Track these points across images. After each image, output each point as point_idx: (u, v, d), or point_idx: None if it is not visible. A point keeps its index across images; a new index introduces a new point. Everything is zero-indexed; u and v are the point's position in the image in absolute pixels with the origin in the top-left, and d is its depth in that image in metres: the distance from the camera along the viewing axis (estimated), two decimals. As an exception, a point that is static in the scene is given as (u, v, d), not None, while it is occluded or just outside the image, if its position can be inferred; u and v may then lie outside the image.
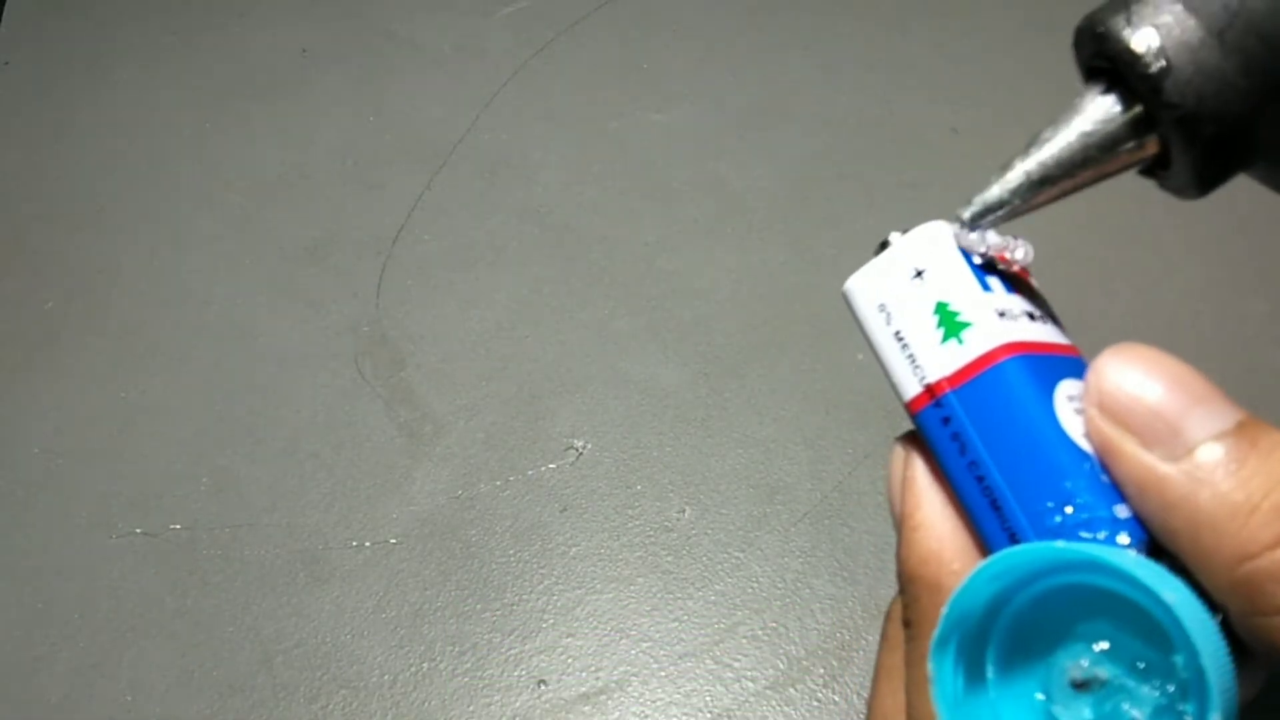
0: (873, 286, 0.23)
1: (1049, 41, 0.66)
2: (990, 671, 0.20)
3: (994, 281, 0.23)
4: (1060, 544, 0.18)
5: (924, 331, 0.22)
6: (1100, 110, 0.22)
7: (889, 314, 0.23)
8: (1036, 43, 0.68)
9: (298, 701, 0.45)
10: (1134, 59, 0.21)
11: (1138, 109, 0.21)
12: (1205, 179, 0.22)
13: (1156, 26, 0.20)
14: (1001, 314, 0.22)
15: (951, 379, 0.21)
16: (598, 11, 0.72)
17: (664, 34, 0.71)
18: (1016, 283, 0.23)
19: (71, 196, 0.63)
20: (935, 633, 0.19)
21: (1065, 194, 0.22)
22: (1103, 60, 0.21)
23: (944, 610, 0.19)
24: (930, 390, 0.22)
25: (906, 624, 0.23)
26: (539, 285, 0.58)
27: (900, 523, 0.23)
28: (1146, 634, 0.18)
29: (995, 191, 0.22)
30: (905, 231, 0.23)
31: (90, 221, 0.62)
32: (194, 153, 0.65)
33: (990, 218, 0.22)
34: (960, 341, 0.21)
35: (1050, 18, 0.70)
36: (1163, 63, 0.20)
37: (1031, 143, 0.22)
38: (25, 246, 0.61)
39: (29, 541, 0.50)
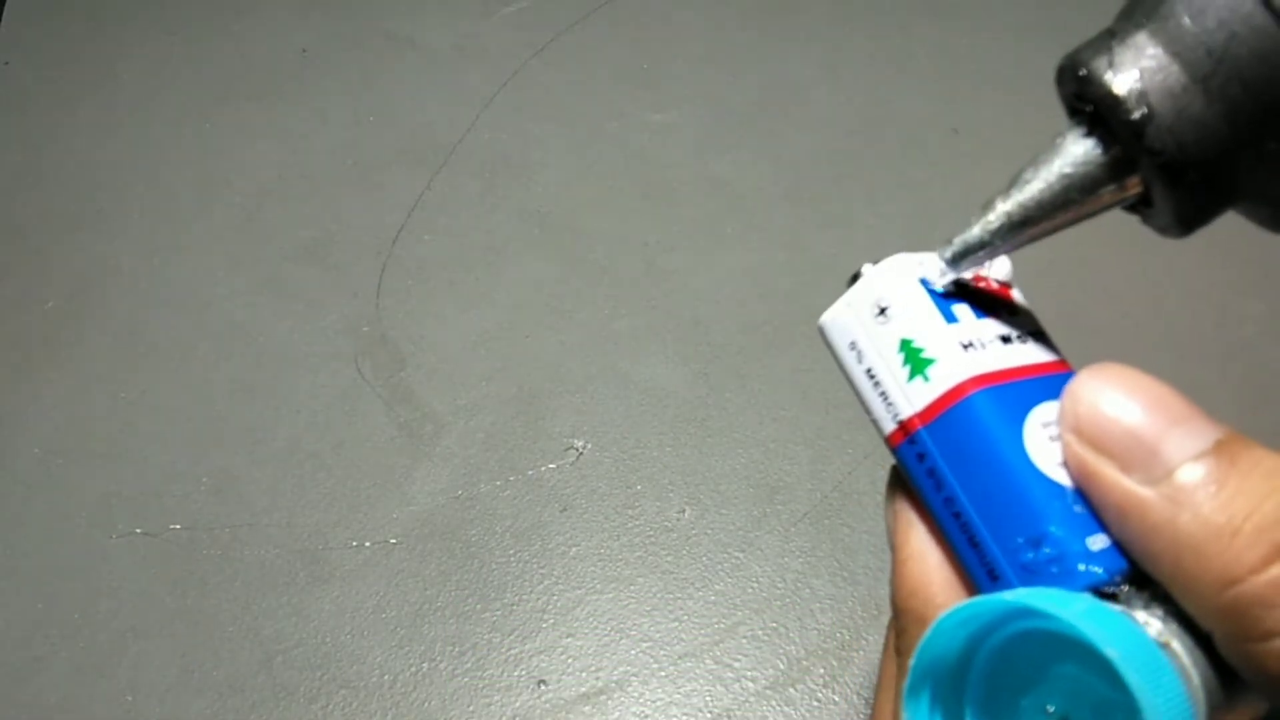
0: (843, 324, 0.23)
1: (1049, 41, 0.66)
2: (969, 716, 0.20)
3: (962, 310, 0.22)
4: (1009, 596, 0.18)
5: (892, 369, 0.22)
6: (1081, 151, 0.21)
7: (859, 352, 0.23)
8: (1036, 43, 0.68)
9: (298, 701, 0.45)
10: (1116, 104, 0.20)
11: (1119, 150, 0.21)
12: (1188, 221, 0.21)
13: (1139, 70, 0.20)
14: (967, 346, 0.21)
15: (922, 415, 0.21)
16: (598, 11, 0.72)
17: (664, 34, 0.71)
18: (992, 303, 0.23)
19: (71, 196, 0.63)
20: (906, 682, 0.19)
21: (1047, 234, 0.22)
22: (1084, 102, 0.21)
23: (911, 661, 0.19)
24: (904, 427, 0.22)
25: (899, 653, 0.22)
26: (539, 285, 0.58)
27: (892, 552, 0.23)
28: (1110, 676, 0.18)
29: (976, 232, 0.22)
30: (877, 263, 0.23)
31: (90, 221, 0.62)
32: (194, 153, 0.65)
33: (971, 258, 0.22)
34: (926, 379, 0.21)
35: (1050, 17, 0.70)
36: (1144, 109, 0.20)
37: (1012, 183, 0.22)
38: (25, 246, 0.61)
39: (29, 541, 0.50)
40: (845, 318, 0.23)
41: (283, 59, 0.70)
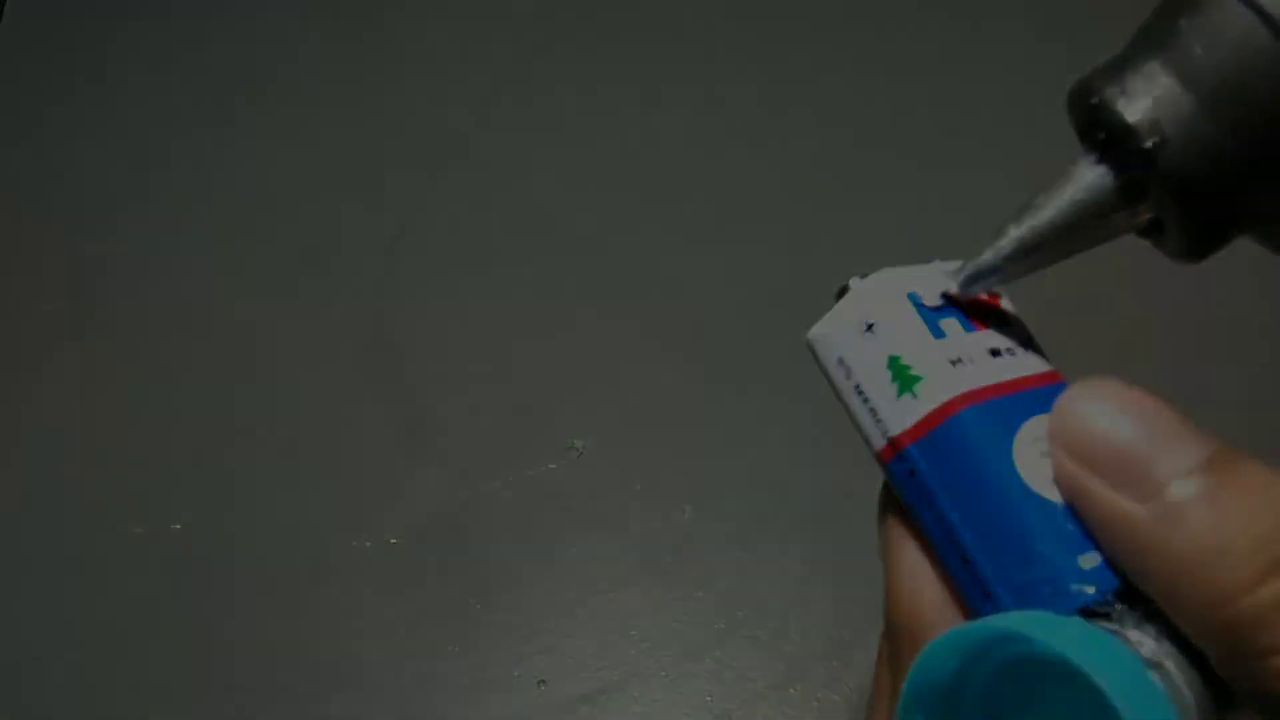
0: (830, 339, 0.23)
1: (1049, 42, 0.66)
2: None
3: (950, 324, 0.22)
4: (999, 621, 0.18)
5: (880, 386, 0.22)
6: (1093, 177, 0.21)
7: (847, 368, 0.22)
8: (1036, 43, 0.68)
9: (298, 701, 0.45)
10: (1128, 132, 0.20)
11: (1131, 177, 0.21)
12: (1201, 248, 0.22)
13: (1151, 99, 0.20)
14: (955, 361, 0.21)
15: (910, 433, 0.21)
16: (597, 11, 0.72)
17: (664, 34, 0.71)
18: (983, 314, 0.23)
19: (71, 196, 0.63)
20: (899, 705, 0.19)
21: (1058, 259, 0.22)
22: (1096, 130, 0.21)
23: (904, 687, 0.19)
24: (893, 444, 0.22)
25: (891, 669, 0.22)
26: (539, 285, 0.58)
27: (884, 569, 0.23)
28: (1103, 702, 0.18)
29: (988, 257, 0.22)
30: (864, 276, 0.23)
31: (90, 221, 0.62)
32: (194, 153, 0.65)
33: (983, 282, 0.22)
34: (914, 395, 0.21)
35: (1051, 19, 0.70)
36: (1157, 137, 0.20)
37: (1024, 208, 0.22)
38: (25, 246, 0.61)
39: (29, 541, 0.50)
40: (832, 334, 0.23)
41: (283, 59, 0.70)
